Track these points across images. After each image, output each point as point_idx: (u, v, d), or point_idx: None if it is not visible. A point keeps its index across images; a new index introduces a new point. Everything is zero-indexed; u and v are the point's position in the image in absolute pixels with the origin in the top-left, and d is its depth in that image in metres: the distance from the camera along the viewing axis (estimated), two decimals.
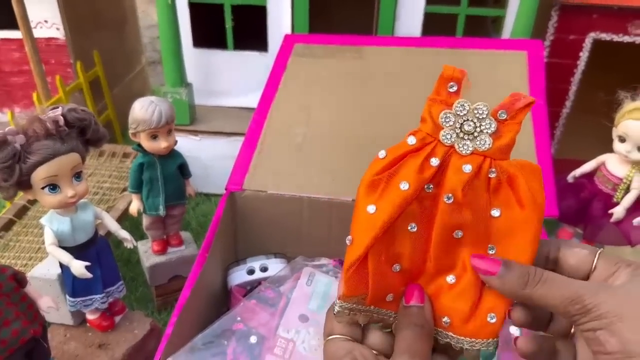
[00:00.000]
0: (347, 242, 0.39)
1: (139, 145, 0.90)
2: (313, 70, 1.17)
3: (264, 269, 0.93)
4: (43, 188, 0.70)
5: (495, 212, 0.40)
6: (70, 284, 0.78)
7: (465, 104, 0.40)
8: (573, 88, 1.40)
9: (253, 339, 0.77)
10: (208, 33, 1.40)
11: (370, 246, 0.40)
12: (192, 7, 1.35)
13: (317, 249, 0.99)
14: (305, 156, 1.01)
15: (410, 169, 0.40)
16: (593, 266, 0.35)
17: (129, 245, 0.83)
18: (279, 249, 0.99)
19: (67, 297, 0.79)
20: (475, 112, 0.40)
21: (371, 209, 0.41)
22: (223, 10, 1.33)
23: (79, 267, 0.73)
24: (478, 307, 0.43)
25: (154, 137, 0.88)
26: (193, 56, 1.39)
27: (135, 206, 0.95)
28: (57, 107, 0.73)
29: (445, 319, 0.43)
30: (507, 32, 1.25)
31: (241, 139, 1.04)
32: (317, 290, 0.82)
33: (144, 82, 1.94)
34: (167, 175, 0.93)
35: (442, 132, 0.40)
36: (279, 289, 0.83)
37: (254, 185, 0.97)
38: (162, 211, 0.94)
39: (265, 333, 0.78)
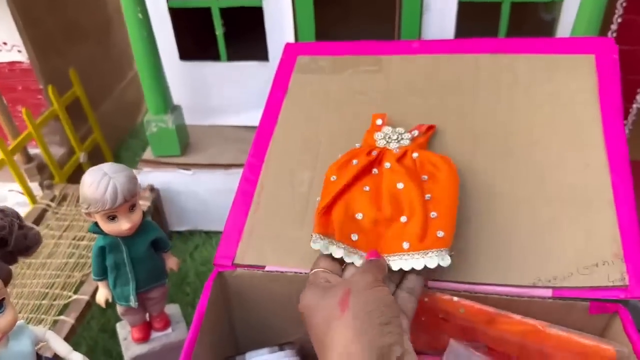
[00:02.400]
0: (317, 201, 0.68)
1: (96, 224, 0.71)
2: (320, 90, 0.93)
3: None
4: None
5: (424, 177, 0.69)
6: None
7: (390, 127, 0.75)
8: None
9: None
10: (197, 43, 1.18)
11: (332, 201, 0.67)
12: (175, 13, 1.13)
13: None
14: (313, 212, 0.78)
15: (359, 155, 0.71)
16: None
17: None
18: (286, 334, 0.79)
19: None
20: (397, 131, 0.74)
21: (333, 178, 0.70)
22: (211, 15, 1.10)
23: None
24: (428, 229, 0.64)
25: (111, 218, 0.69)
26: (180, 71, 1.18)
27: (102, 295, 0.77)
28: None
29: (405, 244, 0.63)
30: (565, 27, 0.99)
31: (240, 171, 0.83)
32: None
33: (137, 90, 1.74)
34: (135, 257, 0.74)
35: (377, 141, 0.74)
36: None
37: (248, 257, 0.76)
38: (133, 302, 0.75)
39: None
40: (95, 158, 1.31)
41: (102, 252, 0.73)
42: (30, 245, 0.58)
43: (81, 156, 1.32)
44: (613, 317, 0.67)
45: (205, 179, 1.15)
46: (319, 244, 0.63)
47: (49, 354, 0.66)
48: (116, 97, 1.60)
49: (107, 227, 0.69)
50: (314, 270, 0.55)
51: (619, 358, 0.61)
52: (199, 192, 1.16)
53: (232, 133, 1.22)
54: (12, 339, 0.59)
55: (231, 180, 1.07)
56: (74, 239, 1.03)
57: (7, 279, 0.55)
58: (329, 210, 0.68)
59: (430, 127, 0.76)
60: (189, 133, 1.21)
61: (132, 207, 0.70)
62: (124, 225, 0.69)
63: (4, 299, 0.55)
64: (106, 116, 1.49)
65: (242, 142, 1.17)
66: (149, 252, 0.75)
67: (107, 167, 0.68)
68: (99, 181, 0.66)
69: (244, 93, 1.19)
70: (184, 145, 1.17)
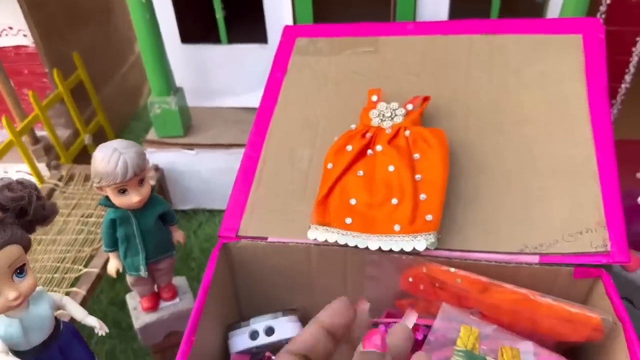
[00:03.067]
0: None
1: (107, 198, 0.74)
2: (319, 71, 0.97)
3: (269, 332, 0.78)
4: None
5: (416, 156, 0.72)
6: None
7: (384, 104, 0.77)
8: (635, 59, 1.17)
9: None
10: (198, 26, 1.21)
11: (329, 191, 0.73)
12: None
13: (332, 299, 0.83)
14: (312, 188, 0.82)
15: (353, 140, 0.75)
16: None
17: (100, 332, 0.68)
18: (288, 302, 0.83)
19: None
20: (391, 107, 0.77)
21: (329, 165, 0.75)
22: None
23: None
24: (417, 213, 0.69)
25: (122, 191, 0.72)
26: (182, 54, 1.21)
27: (113, 266, 0.80)
28: None
29: (396, 226, 0.69)
30: (554, 9, 1.02)
31: (241, 151, 0.87)
32: None
33: (139, 74, 1.76)
34: (145, 229, 0.78)
35: (372, 119, 0.77)
36: None
37: (252, 229, 0.80)
38: (143, 272, 0.79)
39: None
40: (100, 140, 1.33)
41: (112, 225, 0.77)
42: (48, 215, 0.61)
43: (86, 138, 1.35)
44: (596, 281, 0.71)
45: (207, 158, 1.18)
46: (316, 233, 0.72)
47: (65, 319, 0.70)
48: (118, 81, 1.62)
49: (117, 200, 0.73)
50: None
51: (604, 326, 0.65)
52: (201, 172, 1.19)
53: (233, 115, 1.25)
54: (32, 303, 0.63)
55: (232, 159, 1.10)
56: (82, 216, 1.06)
57: (27, 246, 0.59)
58: (326, 199, 0.75)
59: (425, 99, 0.78)
60: (191, 115, 1.24)
61: (141, 182, 0.74)
62: (134, 198, 0.73)
63: (24, 264, 0.59)
64: (108, 100, 1.51)
65: (242, 123, 1.20)
66: (157, 225, 0.79)
67: (117, 143, 0.72)
68: (110, 156, 0.70)
69: (243, 75, 1.22)
70: (187, 127, 1.20)
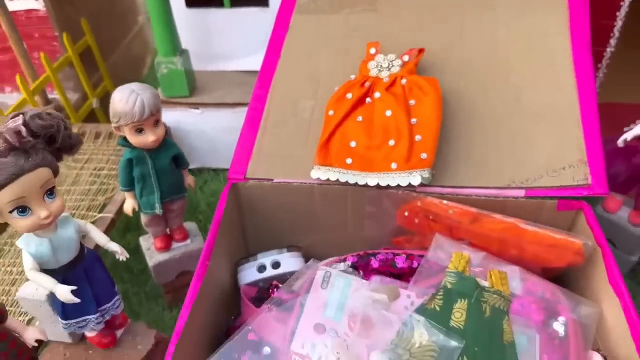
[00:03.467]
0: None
1: (125, 139, 0.80)
2: (319, 29, 1.02)
3: (275, 265, 0.84)
4: (11, 212, 0.60)
5: (412, 102, 0.79)
6: (60, 307, 0.70)
7: (382, 55, 0.84)
8: (619, 23, 1.22)
9: (266, 350, 0.70)
10: None
11: (331, 135, 0.80)
12: None
13: (333, 237, 0.89)
14: (315, 134, 0.88)
15: (353, 89, 0.82)
16: None
17: (121, 257, 0.74)
18: (292, 240, 0.89)
19: (59, 319, 0.72)
20: (388, 58, 0.83)
21: (331, 112, 0.82)
22: None
23: (64, 293, 0.65)
24: (412, 151, 0.76)
25: (139, 130, 0.78)
26: (187, 18, 1.25)
27: (129, 205, 0.86)
28: (18, 116, 0.62)
29: (393, 164, 0.76)
30: None
31: (245, 110, 0.92)
32: (333, 294, 0.73)
33: (143, 44, 1.81)
34: (160, 169, 0.83)
35: (370, 70, 0.83)
36: (293, 292, 0.74)
37: (258, 172, 0.86)
38: (158, 209, 0.85)
39: (279, 344, 0.70)
40: (107, 104, 1.39)
41: (129, 164, 0.82)
42: (74, 144, 0.66)
43: (94, 102, 1.40)
44: (578, 214, 0.77)
45: (212, 117, 1.23)
46: (318, 172, 0.79)
47: (90, 246, 0.75)
48: (123, 50, 1.66)
49: (134, 139, 0.78)
50: None
51: (585, 250, 0.71)
52: (206, 131, 1.24)
53: (236, 77, 1.30)
54: (60, 226, 0.68)
55: (237, 118, 1.15)
56: (94, 169, 1.12)
57: (56, 171, 0.64)
58: (327, 143, 0.81)
59: (420, 51, 0.84)
60: (195, 77, 1.29)
61: (157, 122, 0.79)
62: (150, 137, 0.78)
63: (54, 187, 0.64)
64: (114, 68, 1.56)
65: (246, 85, 1.25)
66: (171, 166, 0.85)
67: (134, 85, 0.77)
68: (128, 96, 0.75)
69: (245, 38, 1.27)
70: (192, 87, 1.25)
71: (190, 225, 0.97)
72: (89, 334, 0.76)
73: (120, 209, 1.01)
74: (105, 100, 1.47)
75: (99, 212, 1.00)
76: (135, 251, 1.09)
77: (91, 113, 1.42)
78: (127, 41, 1.70)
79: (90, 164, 1.13)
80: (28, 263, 0.65)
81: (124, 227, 1.15)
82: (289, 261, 0.85)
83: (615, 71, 1.30)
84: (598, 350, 0.64)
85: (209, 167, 1.31)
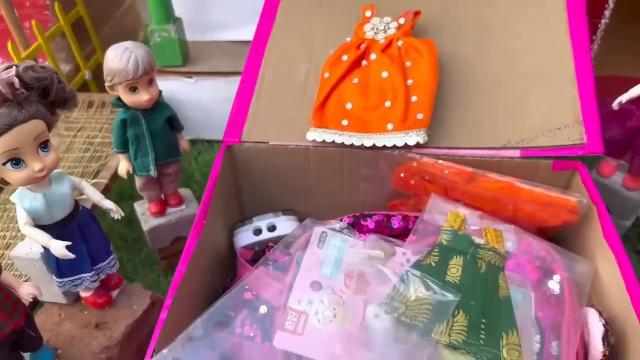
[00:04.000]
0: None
1: (119, 99, 0.79)
2: None
3: (271, 228, 0.84)
4: (4, 164, 0.60)
5: (408, 64, 0.78)
6: (55, 264, 0.70)
7: (377, 18, 0.83)
8: None
9: (263, 309, 0.70)
10: None
11: (327, 97, 0.80)
12: None
13: (329, 201, 0.89)
14: (310, 97, 0.88)
15: (349, 51, 0.81)
16: None
17: (115, 215, 0.73)
18: (288, 204, 0.89)
19: (54, 277, 0.72)
20: (384, 21, 0.82)
21: (326, 75, 0.82)
22: None
23: (58, 248, 0.65)
24: (409, 112, 0.76)
25: (133, 89, 0.77)
26: None
27: (123, 167, 0.85)
28: (11, 67, 0.61)
29: (389, 125, 0.76)
30: None
31: (239, 78, 0.91)
32: (329, 252, 0.73)
33: (135, 18, 1.78)
34: (154, 131, 0.82)
35: (366, 32, 0.82)
36: (289, 252, 0.74)
37: (254, 135, 0.86)
38: (153, 171, 0.84)
39: (275, 302, 0.70)
40: (99, 76, 1.38)
41: (123, 125, 0.81)
42: (68, 98, 0.65)
43: (86, 73, 1.38)
44: (573, 174, 0.77)
45: (206, 86, 1.22)
46: (314, 134, 0.79)
47: (86, 205, 0.75)
48: (115, 24, 1.64)
49: (128, 98, 0.78)
50: None
51: (580, 207, 0.71)
52: (200, 101, 1.23)
53: (230, 47, 1.29)
54: (54, 182, 0.68)
55: (231, 87, 1.14)
56: (87, 137, 1.11)
57: (50, 124, 0.64)
58: (323, 105, 0.80)
59: (416, 13, 0.83)
60: (189, 47, 1.28)
61: (151, 82, 0.78)
62: (144, 96, 0.77)
63: (48, 140, 0.63)
64: (106, 41, 1.53)
65: (240, 55, 1.23)
66: (165, 127, 0.84)
67: (128, 43, 0.76)
68: (122, 54, 0.75)
69: (239, 7, 1.25)
70: (185, 57, 1.24)
71: (185, 192, 0.97)
72: (84, 293, 0.76)
73: (114, 175, 1.00)
74: (97, 72, 1.46)
75: (93, 179, 1.00)
76: (128, 222, 1.08)
77: (84, 85, 1.40)
78: (119, 14, 1.68)
79: (84, 132, 1.12)
80: (22, 218, 0.65)
81: (117, 197, 1.14)
82: (285, 224, 0.85)
83: (609, 44, 1.30)
84: (592, 306, 0.65)
85: (202, 138, 1.30)
